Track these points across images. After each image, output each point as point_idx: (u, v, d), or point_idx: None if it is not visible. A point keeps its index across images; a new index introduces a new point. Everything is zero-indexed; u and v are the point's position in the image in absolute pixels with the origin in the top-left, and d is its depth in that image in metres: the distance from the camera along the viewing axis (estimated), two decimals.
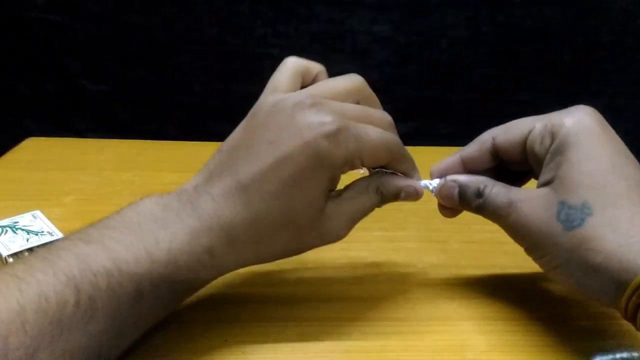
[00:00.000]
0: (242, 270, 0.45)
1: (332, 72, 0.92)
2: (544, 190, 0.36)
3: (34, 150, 0.70)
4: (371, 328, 0.40)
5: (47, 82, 0.93)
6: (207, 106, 0.95)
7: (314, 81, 0.42)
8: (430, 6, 0.89)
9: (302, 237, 0.38)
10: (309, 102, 0.37)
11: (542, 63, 0.94)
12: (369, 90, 0.42)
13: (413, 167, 0.42)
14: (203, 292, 0.43)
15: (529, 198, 0.37)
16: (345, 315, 0.41)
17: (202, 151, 0.62)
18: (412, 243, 0.51)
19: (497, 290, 0.45)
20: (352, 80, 0.41)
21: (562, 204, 0.34)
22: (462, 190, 0.40)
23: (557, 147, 0.36)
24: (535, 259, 0.37)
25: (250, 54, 0.92)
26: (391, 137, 0.40)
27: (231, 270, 0.39)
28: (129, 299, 0.32)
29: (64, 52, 0.91)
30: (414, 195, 0.41)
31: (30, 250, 0.45)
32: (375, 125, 0.39)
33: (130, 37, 0.90)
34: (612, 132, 0.37)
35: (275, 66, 0.88)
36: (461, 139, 0.94)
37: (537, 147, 0.37)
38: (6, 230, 0.47)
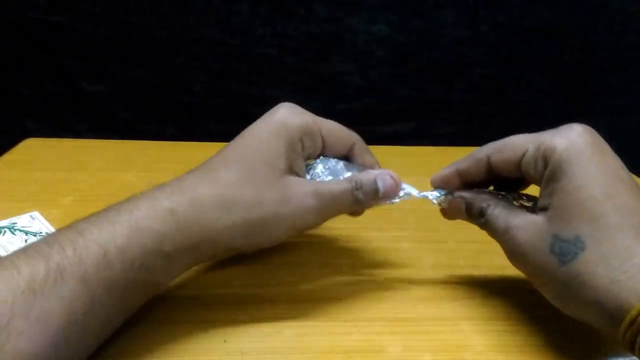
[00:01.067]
0: (240, 271, 0.46)
1: (332, 72, 0.93)
2: (540, 218, 0.36)
3: (33, 150, 0.70)
4: (370, 328, 0.40)
5: (46, 83, 0.93)
6: (207, 106, 0.95)
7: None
8: (430, 6, 0.89)
9: (262, 203, 0.38)
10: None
11: (542, 63, 0.93)
12: None
13: (377, 162, 0.45)
14: (202, 292, 0.43)
15: (525, 226, 0.37)
16: (343, 315, 0.41)
17: (202, 151, 0.63)
18: (410, 243, 0.51)
19: (496, 290, 0.45)
20: None
21: (556, 236, 0.34)
22: (468, 206, 0.41)
23: (550, 173, 0.36)
24: (536, 287, 0.37)
25: (250, 54, 0.92)
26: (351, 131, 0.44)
27: (197, 256, 0.39)
28: (97, 262, 0.33)
29: (63, 53, 0.91)
30: (393, 185, 0.42)
31: None
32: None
33: (130, 37, 0.90)
34: (608, 152, 0.36)
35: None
36: (461, 139, 0.94)
37: (532, 171, 0.37)
38: (4, 232, 0.47)
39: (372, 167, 0.44)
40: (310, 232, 0.46)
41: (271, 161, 0.39)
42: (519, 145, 0.38)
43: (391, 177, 0.41)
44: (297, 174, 0.41)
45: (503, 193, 0.41)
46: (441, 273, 0.47)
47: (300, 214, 0.39)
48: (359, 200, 0.41)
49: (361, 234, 0.53)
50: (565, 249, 0.34)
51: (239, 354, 0.37)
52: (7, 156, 0.68)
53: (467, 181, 0.42)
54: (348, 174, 0.42)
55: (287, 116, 0.41)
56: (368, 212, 0.54)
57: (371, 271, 0.47)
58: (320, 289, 0.44)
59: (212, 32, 0.91)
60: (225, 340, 0.38)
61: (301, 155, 0.41)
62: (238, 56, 0.92)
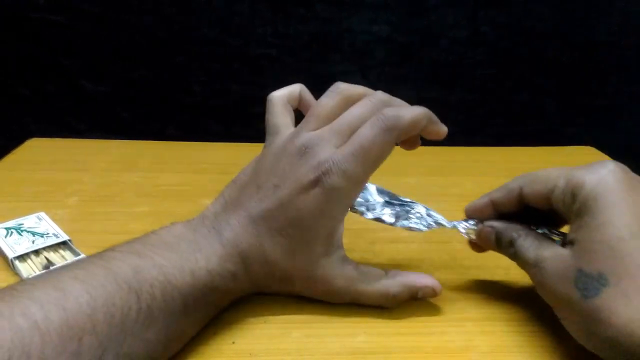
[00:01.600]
0: None
1: (332, 72, 0.93)
2: (567, 252, 0.36)
3: (36, 151, 0.70)
4: (376, 329, 0.40)
5: (47, 83, 0.93)
6: (207, 106, 0.95)
7: (301, 100, 0.45)
8: (430, 6, 0.89)
9: (294, 278, 0.41)
10: (304, 148, 0.39)
11: (542, 63, 0.94)
12: (352, 89, 0.42)
13: (435, 121, 0.42)
14: None
15: (553, 258, 0.37)
16: (351, 316, 0.41)
17: (203, 151, 0.63)
18: (415, 244, 0.51)
19: (501, 291, 0.45)
20: (335, 94, 0.42)
21: (580, 271, 0.34)
22: (498, 236, 0.42)
23: (577, 209, 0.36)
24: (560, 319, 0.37)
25: (250, 54, 0.92)
26: (385, 121, 0.39)
27: (249, 294, 0.42)
28: (178, 312, 0.35)
29: (64, 52, 0.91)
30: (432, 294, 0.42)
31: (36, 252, 0.45)
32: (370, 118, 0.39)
33: (130, 37, 0.90)
34: (636, 189, 0.35)
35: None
36: (461, 139, 0.95)
37: (561, 207, 0.37)
38: (11, 232, 0.47)
39: (430, 134, 0.43)
40: None
41: (310, 241, 0.40)
42: (550, 178, 0.38)
43: (434, 290, 0.42)
44: (338, 244, 0.42)
45: (534, 227, 0.41)
46: (446, 274, 0.47)
47: (319, 296, 0.43)
48: (392, 301, 0.42)
49: (366, 235, 0.53)
50: (589, 284, 0.34)
51: (247, 355, 0.37)
52: (11, 156, 0.68)
53: (500, 211, 0.43)
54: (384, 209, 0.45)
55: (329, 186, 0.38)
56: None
57: None
58: None
59: (212, 32, 0.91)
60: (233, 342, 0.38)
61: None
62: (238, 56, 0.92)
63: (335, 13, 0.90)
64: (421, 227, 0.44)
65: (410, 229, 0.44)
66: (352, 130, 0.39)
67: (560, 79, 0.95)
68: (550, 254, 0.37)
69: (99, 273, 0.33)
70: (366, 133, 0.38)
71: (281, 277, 0.41)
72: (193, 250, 0.37)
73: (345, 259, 0.41)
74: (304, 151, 0.39)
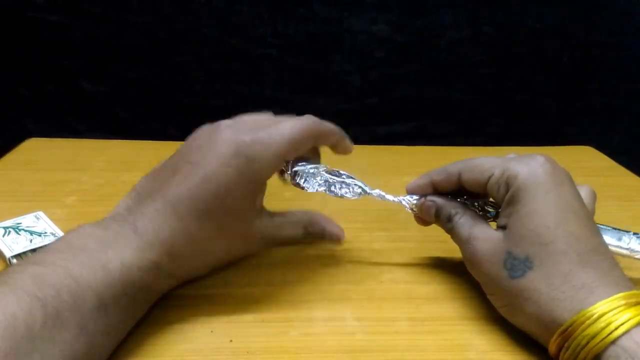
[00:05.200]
0: (245, 271, 0.46)
1: (332, 72, 0.93)
2: (498, 234, 0.40)
3: (35, 151, 0.70)
4: (374, 328, 0.40)
5: (47, 83, 0.93)
6: (207, 106, 0.95)
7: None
8: (430, 6, 0.89)
9: (232, 248, 0.43)
10: (225, 123, 0.41)
11: (542, 63, 0.94)
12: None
13: (340, 137, 0.46)
14: (207, 292, 0.43)
15: (485, 239, 0.41)
16: (348, 315, 0.41)
17: None
18: (413, 243, 0.51)
19: None
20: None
21: (509, 254, 0.38)
22: (437, 211, 0.45)
23: (509, 198, 0.39)
24: (487, 295, 0.41)
25: (250, 54, 0.92)
26: (302, 122, 0.42)
27: (180, 282, 0.42)
28: (94, 309, 0.34)
29: (63, 53, 0.91)
30: (336, 239, 0.47)
31: (34, 251, 0.45)
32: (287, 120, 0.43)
33: (130, 37, 0.90)
34: (565, 183, 0.39)
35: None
36: (461, 139, 0.94)
37: (495, 194, 0.41)
38: (9, 232, 0.47)
39: (334, 146, 0.47)
40: None
41: (239, 213, 0.41)
42: (487, 168, 0.41)
43: (338, 235, 0.47)
44: (259, 208, 0.43)
45: (470, 201, 0.45)
46: (444, 273, 0.47)
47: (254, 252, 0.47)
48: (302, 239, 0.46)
49: (364, 234, 0.53)
50: (516, 266, 0.38)
51: (245, 353, 0.37)
52: (10, 156, 0.68)
53: (439, 191, 0.46)
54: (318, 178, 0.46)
55: (247, 163, 0.40)
56: (371, 213, 0.54)
57: (375, 271, 0.47)
58: (324, 289, 0.45)
59: (212, 32, 0.91)
60: (231, 340, 0.38)
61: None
62: (238, 56, 0.92)
63: (335, 13, 0.90)
64: (349, 195, 0.46)
65: (340, 196, 0.46)
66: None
67: (560, 79, 0.95)
68: (483, 234, 0.41)
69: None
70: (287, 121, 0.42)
71: (213, 257, 0.42)
72: (104, 247, 0.36)
73: (266, 215, 0.43)
74: (227, 124, 0.41)
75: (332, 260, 0.48)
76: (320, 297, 0.44)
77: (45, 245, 0.37)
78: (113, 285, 0.35)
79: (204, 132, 0.42)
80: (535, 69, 0.94)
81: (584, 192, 0.42)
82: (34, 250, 0.45)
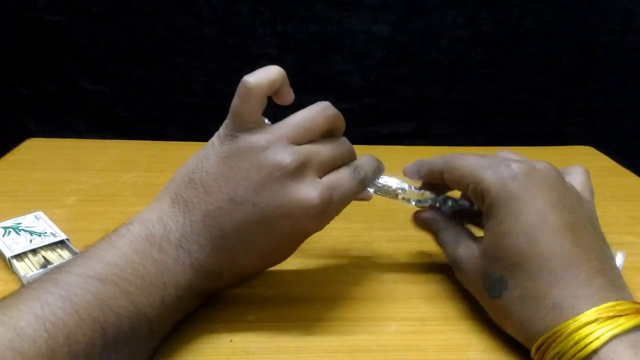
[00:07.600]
0: None
1: (332, 72, 0.93)
2: (477, 251, 0.40)
3: (35, 151, 0.70)
4: (375, 328, 0.40)
5: (47, 82, 0.93)
6: (207, 106, 0.95)
7: (278, 91, 0.41)
8: (430, 6, 0.89)
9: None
10: (293, 166, 0.37)
11: (542, 63, 0.94)
12: (335, 114, 0.44)
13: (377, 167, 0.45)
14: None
15: (467, 257, 0.41)
16: (349, 315, 0.41)
17: None
18: (414, 243, 0.51)
19: None
20: (319, 113, 0.42)
21: (486, 274, 0.39)
22: (426, 225, 0.46)
23: (485, 211, 0.39)
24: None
25: (250, 54, 0.92)
26: (358, 174, 0.42)
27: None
28: (145, 339, 0.35)
29: (63, 52, 0.91)
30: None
31: (33, 251, 0.45)
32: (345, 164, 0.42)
33: (130, 37, 0.90)
34: (541, 193, 0.37)
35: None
36: (461, 139, 0.94)
37: (475, 202, 0.41)
38: (9, 232, 0.47)
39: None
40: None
41: (289, 251, 0.41)
42: (466, 173, 0.40)
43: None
44: None
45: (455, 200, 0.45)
46: (445, 273, 0.47)
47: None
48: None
49: (365, 234, 0.53)
50: (492, 287, 0.38)
51: (245, 353, 0.37)
52: (10, 156, 0.68)
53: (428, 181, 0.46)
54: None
55: (315, 226, 0.40)
56: (371, 212, 0.54)
57: (375, 271, 0.47)
58: (324, 289, 0.45)
59: (212, 32, 0.91)
60: (231, 340, 0.38)
61: None
62: (238, 56, 0.92)
63: (335, 13, 0.90)
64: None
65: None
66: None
67: (560, 79, 0.95)
68: (465, 253, 0.41)
69: (57, 305, 0.30)
70: (345, 184, 0.41)
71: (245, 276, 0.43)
72: (161, 274, 0.35)
73: None
74: (296, 170, 0.37)
75: (333, 262, 0.48)
76: (321, 297, 0.43)
77: (98, 249, 0.35)
78: (166, 315, 0.36)
79: (267, 167, 0.37)
80: (535, 69, 0.94)
81: (575, 177, 0.42)
82: (33, 251, 0.45)
